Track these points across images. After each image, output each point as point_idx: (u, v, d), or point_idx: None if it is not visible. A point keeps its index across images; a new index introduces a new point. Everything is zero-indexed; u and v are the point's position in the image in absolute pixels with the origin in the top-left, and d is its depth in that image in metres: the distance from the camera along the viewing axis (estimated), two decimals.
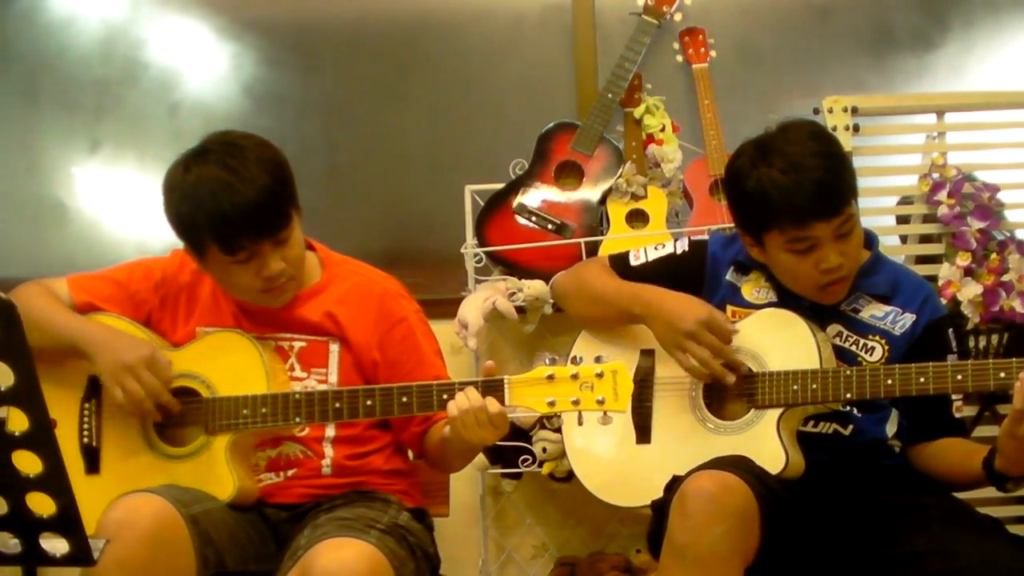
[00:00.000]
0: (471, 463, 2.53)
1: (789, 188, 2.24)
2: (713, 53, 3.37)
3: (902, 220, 3.22)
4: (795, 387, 2.29)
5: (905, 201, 3.24)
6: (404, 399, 2.23)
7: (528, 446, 3.14)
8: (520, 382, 2.16)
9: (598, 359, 2.13)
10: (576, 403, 2.12)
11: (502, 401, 2.16)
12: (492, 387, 2.17)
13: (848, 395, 2.29)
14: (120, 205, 3.61)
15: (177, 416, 2.33)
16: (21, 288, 2.41)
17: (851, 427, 2.38)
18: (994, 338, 3.01)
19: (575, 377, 2.12)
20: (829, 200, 2.25)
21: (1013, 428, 2.10)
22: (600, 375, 2.11)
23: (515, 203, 3.28)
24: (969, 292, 2.98)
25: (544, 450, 3.12)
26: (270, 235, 2.26)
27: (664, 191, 3.25)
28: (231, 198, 2.21)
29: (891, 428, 2.39)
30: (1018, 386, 2.08)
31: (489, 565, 3.35)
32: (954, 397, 2.36)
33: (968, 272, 3.01)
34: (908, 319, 2.39)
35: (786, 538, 2.16)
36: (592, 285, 2.53)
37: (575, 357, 2.18)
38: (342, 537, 2.12)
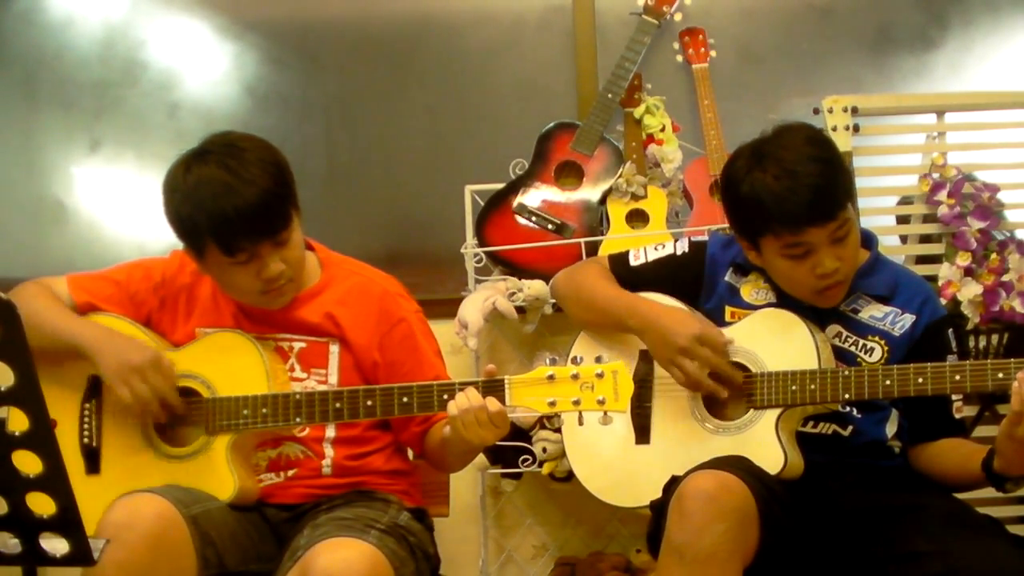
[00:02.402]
0: (471, 463, 2.52)
1: (783, 194, 2.24)
2: (713, 53, 3.37)
3: (902, 220, 3.22)
4: (794, 387, 2.29)
5: (905, 201, 3.24)
6: (404, 399, 2.24)
7: (528, 446, 3.14)
8: (520, 382, 2.16)
9: (598, 359, 2.13)
10: (577, 403, 2.12)
11: (503, 401, 2.16)
12: (493, 387, 2.17)
13: (846, 395, 2.29)
14: (120, 205, 3.61)
15: (178, 416, 2.34)
16: (20, 288, 2.41)
17: (850, 428, 2.38)
18: (994, 338, 3.01)
19: (576, 377, 2.12)
20: (823, 206, 2.25)
21: (1011, 429, 2.10)
22: (600, 375, 2.11)
23: (515, 203, 3.28)
24: (969, 292, 2.98)
25: (544, 450, 3.12)
26: (270, 236, 2.26)
27: (664, 191, 3.25)
28: (232, 200, 2.21)
29: (891, 429, 2.39)
30: (1015, 387, 2.08)
31: (489, 565, 3.35)
32: (954, 397, 2.36)
33: (968, 272, 3.01)
34: (908, 320, 2.39)
35: (785, 538, 2.16)
36: (588, 290, 2.52)
37: (575, 357, 2.17)
38: (342, 537, 2.13)
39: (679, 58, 3.39)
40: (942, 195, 3.08)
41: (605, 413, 2.12)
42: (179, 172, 2.28)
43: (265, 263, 2.27)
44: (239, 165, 2.23)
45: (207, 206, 2.22)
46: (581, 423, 2.19)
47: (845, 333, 2.39)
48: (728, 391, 2.34)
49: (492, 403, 2.15)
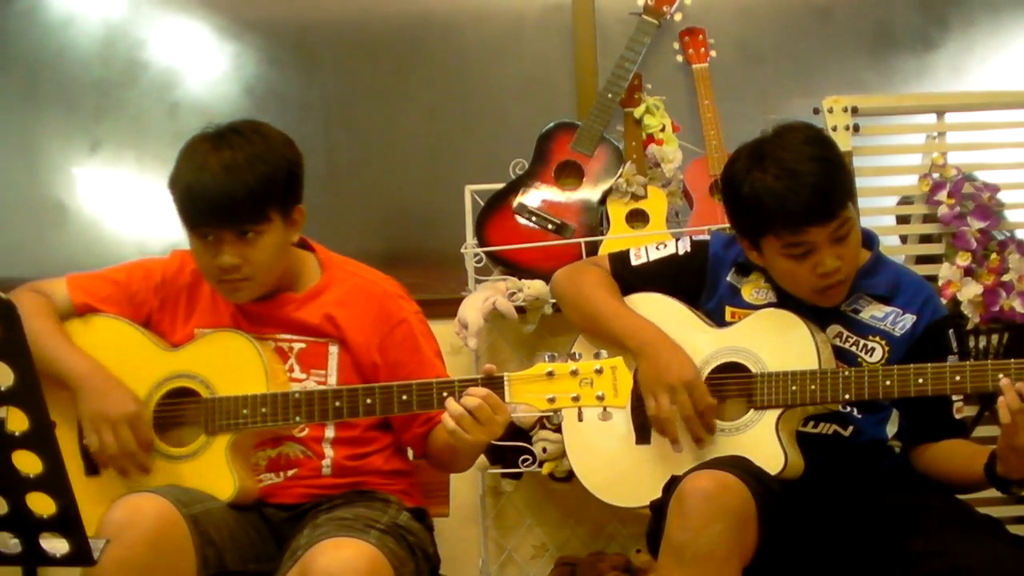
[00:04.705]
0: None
1: (783, 194, 2.24)
2: (713, 53, 3.37)
3: (902, 220, 3.22)
4: (794, 388, 2.29)
5: (905, 201, 3.24)
6: (404, 397, 2.23)
7: (528, 446, 3.14)
8: (520, 379, 2.15)
9: (597, 356, 2.12)
10: (576, 399, 2.11)
11: (503, 398, 2.15)
12: (492, 384, 2.17)
13: (846, 396, 2.29)
14: (120, 205, 3.61)
15: (177, 417, 2.34)
16: (14, 295, 2.36)
17: (851, 428, 2.38)
18: (994, 338, 3.01)
19: (575, 373, 2.11)
20: (824, 205, 2.25)
21: (1010, 440, 2.10)
22: (600, 371, 2.10)
23: (515, 203, 3.28)
24: (969, 292, 2.98)
25: (544, 450, 3.12)
26: (230, 225, 2.26)
27: (664, 191, 3.25)
28: (202, 176, 2.25)
29: (891, 429, 2.39)
30: (1000, 401, 2.08)
31: (489, 565, 3.35)
32: (955, 398, 2.36)
33: (968, 272, 3.01)
34: (908, 320, 2.39)
35: (784, 538, 2.16)
36: (589, 299, 2.49)
37: (574, 353, 2.17)
38: (342, 537, 2.13)
39: (679, 58, 3.39)
40: (942, 195, 3.08)
41: (604, 409, 2.12)
42: (195, 137, 2.33)
43: (221, 250, 2.28)
44: (232, 152, 2.26)
45: (184, 175, 2.27)
46: (581, 419, 2.19)
47: (846, 333, 2.39)
48: (681, 449, 2.34)
49: (485, 392, 2.15)
